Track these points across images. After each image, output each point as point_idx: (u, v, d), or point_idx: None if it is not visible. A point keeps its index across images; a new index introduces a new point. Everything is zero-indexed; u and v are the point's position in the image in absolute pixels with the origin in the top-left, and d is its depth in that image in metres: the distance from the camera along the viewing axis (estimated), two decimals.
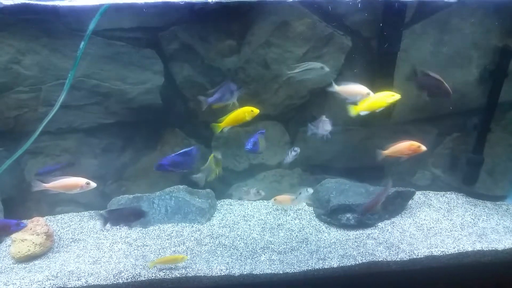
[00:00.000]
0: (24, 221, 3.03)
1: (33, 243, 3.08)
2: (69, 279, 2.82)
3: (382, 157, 3.10)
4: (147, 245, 3.22)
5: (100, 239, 3.31)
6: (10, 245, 3.11)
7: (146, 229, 3.43)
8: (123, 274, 2.86)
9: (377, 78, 3.34)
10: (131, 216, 3.12)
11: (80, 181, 2.88)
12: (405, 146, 3.04)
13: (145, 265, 2.96)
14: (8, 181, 3.47)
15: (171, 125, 3.55)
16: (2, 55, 3.15)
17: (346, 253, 3.10)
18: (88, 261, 3.03)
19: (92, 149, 3.49)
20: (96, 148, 3.50)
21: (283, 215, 3.63)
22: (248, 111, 2.94)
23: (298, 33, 3.26)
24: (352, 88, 2.99)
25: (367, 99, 2.91)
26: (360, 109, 2.93)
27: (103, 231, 3.40)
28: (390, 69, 3.31)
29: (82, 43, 2.96)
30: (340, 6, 3.24)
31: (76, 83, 3.25)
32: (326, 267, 2.97)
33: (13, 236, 3.10)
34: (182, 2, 3.03)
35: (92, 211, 3.68)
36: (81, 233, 3.42)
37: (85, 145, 3.49)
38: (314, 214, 3.61)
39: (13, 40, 3.14)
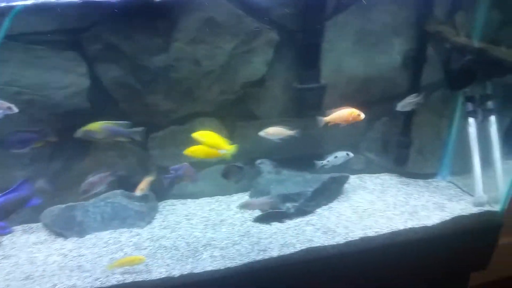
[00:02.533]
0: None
1: None
2: None
3: (323, 124, 3.21)
4: (83, 255, 3.10)
5: (33, 253, 3.14)
6: None
7: (82, 238, 3.29)
8: (57, 286, 2.74)
9: (305, 71, 3.43)
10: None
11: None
12: (345, 113, 3.17)
13: (81, 275, 2.86)
14: None
15: None
16: None
17: (286, 242, 3.16)
18: (20, 277, 2.87)
19: (19, 160, 3.30)
20: (24, 158, 3.31)
21: (226, 210, 3.64)
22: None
23: (225, 28, 3.26)
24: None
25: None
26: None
27: (36, 245, 3.26)
28: (316, 60, 3.40)
29: None
30: (264, 1, 3.28)
31: None
32: (266, 257, 3.01)
33: None
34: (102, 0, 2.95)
35: (26, 225, 3.49)
36: (13, 248, 3.22)
37: (11, 156, 3.27)
38: None
39: None
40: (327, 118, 3.19)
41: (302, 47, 3.37)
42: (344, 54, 3.52)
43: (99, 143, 3.47)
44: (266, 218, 3.37)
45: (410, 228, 3.29)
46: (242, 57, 3.38)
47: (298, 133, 3.27)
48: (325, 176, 3.56)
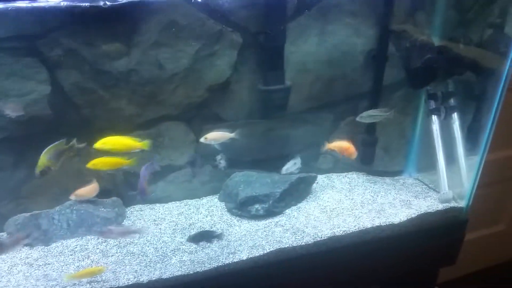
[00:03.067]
0: None
1: None
2: None
3: (325, 149, 3.39)
4: (49, 263, 3.05)
5: None
6: None
7: (48, 246, 3.23)
8: None
9: (269, 72, 3.45)
10: None
11: None
12: (345, 146, 3.37)
13: (47, 284, 2.82)
14: None
15: (66, 135, 3.33)
16: None
17: (255, 243, 3.17)
18: None
19: None
20: None
21: (195, 214, 3.63)
22: None
23: (187, 31, 3.24)
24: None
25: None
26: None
27: (0, 255, 3.20)
28: (279, 61, 3.41)
29: None
30: (225, 3, 3.28)
31: None
32: (236, 260, 3.03)
33: None
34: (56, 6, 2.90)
35: None
36: None
37: None
38: (226, 209, 3.64)
39: None
40: (330, 145, 3.35)
41: (265, 49, 3.38)
42: (307, 55, 3.54)
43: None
44: (198, 237, 3.28)
45: (377, 226, 3.34)
46: (206, 60, 3.36)
47: (238, 135, 3.25)
48: (293, 177, 3.58)
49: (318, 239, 3.19)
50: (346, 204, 3.64)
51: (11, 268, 3.03)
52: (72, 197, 3.26)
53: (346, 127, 3.96)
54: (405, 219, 3.43)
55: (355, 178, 4.10)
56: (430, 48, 3.58)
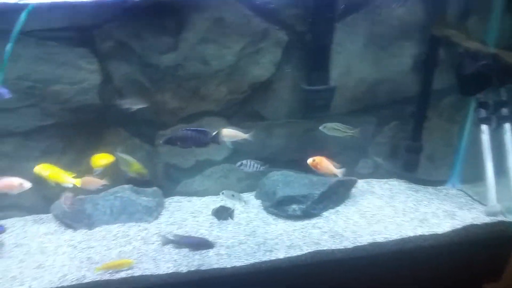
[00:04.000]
0: None
1: None
2: (12, 284, 2.76)
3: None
4: (92, 247, 3.17)
5: (44, 243, 3.24)
6: None
7: (92, 230, 3.37)
8: (68, 276, 2.82)
9: (313, 72, 3.42)
10: (197, 246, 3.09)
11: (14, 181, 2.90)
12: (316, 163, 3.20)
13: (90, 267, 2.92)
14: None
15: (113, 125, 3.50)
16: None
17: (292, 243, 3.16)
18: (32, 266, 2.96)
19: (31, 152, 3.39)
20: (35, 151, 3.40)
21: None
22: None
23: (233, 28, 3.28)
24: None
25: None
26: None
27: (47, 235, 3.36)
28: (325, 62, 3.38)
29: (9, 45, 2.87)
30: (273, 1, 3.28)
31: (9, 85, 3.08)
32: (272, 258, 3.02)
33: None
34: None
35: (36, 215, 3.61)
36: (24, 237, 3.32)
37: (23, 148, 3.38)
38: (262, 207, 3.66)
39: None
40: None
41: (312, 48, 3.36)
42: (353, 56, 3.50)
43: (109, 138, 3.60)
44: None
45: (420, 235, 3.23)
46: (250, 58, 3.39)
47: (252, 137, 3.19)
48: (333, 180, 3.53)
49: (358, 244, 3.12)
50: (387, 211, 3.55)
51: (56, 249, 3.18)
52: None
53: (390, 132, 3.87)
54: (449, 230, 3.30)
55: (396, 185, 4.00)
56: (484, 55, 3.42)
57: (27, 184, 2.94)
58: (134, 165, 3.22)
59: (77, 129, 3.45)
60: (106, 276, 2.84)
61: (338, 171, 3.23)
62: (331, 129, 3.35)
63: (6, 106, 3.19)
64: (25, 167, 3.40)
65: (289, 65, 3.48)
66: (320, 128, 3.34)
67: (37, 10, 2.92)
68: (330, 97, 3.48)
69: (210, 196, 3.86)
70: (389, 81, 3.64)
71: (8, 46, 2.86)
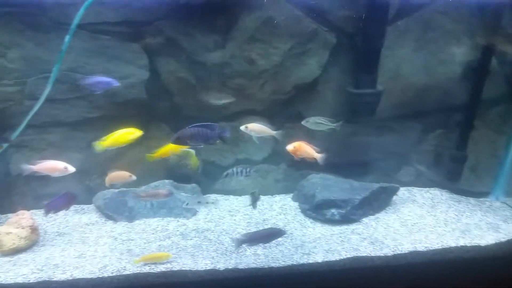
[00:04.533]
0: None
1: (18, 236, 3.05)
2: (54, 272, 2.81)
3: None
4: (132, 239, 3.22)
5: (85, 233, 3.31)
6: None
7: (132, 223, 3.42)
8: (108, 267, 2.86)
9: (361, 75, 3.39)
10: (270, 237, 3.07)
11: (59, 165, 2.97)
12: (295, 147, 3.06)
13: (131, 259, 2.96)
14: None
15: (156, 120, 3.55)
16: None
17: (330, 248, 3.12)
18: (73, 255, 3.02)
19: (77, 143, 3.47)
20: (81, 142, 3.48)
21: (269, 210, 3.65)
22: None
23: (282, 28, 3.29)
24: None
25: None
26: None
27: (88, 225, 3.43)
28: (373, 65, 3.34)
29: (67, 36, 2.95)
30: (324, 2, 3.28)
31: (61, 76, 3.22)
32: (310, 261, 3.00)
33: None
34: None
35: (78, 206, 3.69)
36: (66, 227, 3.41)
37: (70, 139, 3.47)
38: (299, 209, 3.63)
39: None
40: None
41: (361, 51, 3.34)
42: (402, 61, 3.46)
43: (152, 133, 3.64)
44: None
45: (462, 246, 3.15)
46: (297, 58, 3.39)
47: (280, 136, 3.16)
48: (375, 185, 3.50)
49: (398, 252, 3.07)
50: (428, 220, 3.47)
51: (97, 239, 3.24)
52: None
53: (434, 140, 3.79)
54: (493, 242, 3.21)
55: (438, 195, 3.90)
56: None
57: (71, 168, 3.01)
58: (194, 158, 3.26)
59: (122, 122, 3.46)
60: (146, 269, 2.87)
61: (318, 156, 3.11)
62: (314, 123, 3.27)
63: (57, 97, 3.28)
64: (70, 158, 3.47)
65: (335, 67, 3.47)
66: (303, 122, 3.25)
67: (92, 3, 2.99)
68: (376, 101, 3.44)
69: (247, 196, 3.83)
70: (437, 88, 3.58)
71: (66, 38, 2.95)
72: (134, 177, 3.17)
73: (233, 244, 3.10)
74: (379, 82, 3.45)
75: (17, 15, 3.11)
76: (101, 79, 3.00)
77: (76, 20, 2.89)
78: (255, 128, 3.15)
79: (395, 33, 3.36)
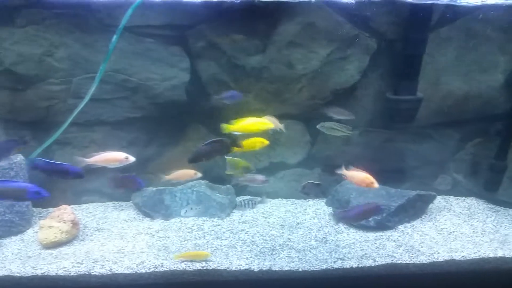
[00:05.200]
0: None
1: (60, 230, 3.17)
2: (94, 266, 2.90)
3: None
4: (169, 237, 3.29)
5: (123, 229, 3.40)
6: (38, 231, 3.21)
7: (168, 221, 3.50)
8: (146, 264, 2.94)
9: (401, 81, 3.37)
10: (369, 213, 3.13)
11: (120, 155, 3.01)
12: (361, 178, 3.01)
13: (167, 256, 3.03)
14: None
15: (194, 122, 3.62)
16: (37, 47, 3.28)
17: (365, 254, 3.11)
18: (112, 250, 3.12)
19: (118, 142, 3.58)
20: (122, 141, 3.59)
21: (302, 214, 3.66)
22: (259, 142, 3.14)
23: (323, 34, 3.31)
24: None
25: None
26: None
27: (126, 222, 3.51)
28: (414, 71, 3.32)
29: (115, 36, 3.05)
30: (366, 8, 3.28)
31: (106, 77, 3.34)
32: (345, 267, 2.99)
33: (41, 222, 3.21)
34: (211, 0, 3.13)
35: (116, 202, 3.80)
36: (105, 222, 3.51)
37: (112, 137, 3.58)
38: (333, 214, 3.64)
39: (48, 34, 3.27)
40: (345, 173, 3.07)
41: (402, 57, 3.32)
42: (443, 68, 3.42)
43: (190, 134, 3.71)
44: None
45: (500, 257, 3.09)
46: (336, 64, 3.40)
47: (284, 128, 3.24)
48: (411, 193, 3.46)
49: (434, 260, 3.03)
50: (465, 230, 3.41)
51: (135, 236, 3.32)
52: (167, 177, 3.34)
53: (473, 149, 3.73)
54: None
55: (475, 204, 3.83)
56: None
57: (132, 158, 3.06)
58: (241, 163, 3.30)
59: (161, 123, 3.61)
60: (182, 266, 2.93)
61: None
62: (329, 128, 3.30)
63: (101, 96, 3.39)
64: None
65: (375, 73, 3.47)
66: (318, 126, 3.29)
67: (138, 6, 3.08)
68: (416, 108, 3.41)
69: (280, 199, 3.89)
70: (478, 96, 3.54)
71: (114, 38, 3.05)
72: (199, 174, 3.24)
73: (333, 220, 3.25)
74: (419, 89, 3.42)
75: (67, 16, 3.25)
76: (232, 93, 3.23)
77: (123, 21, 2.98)
78: (272, 120, 3.21)
79: (436, 40, 3.33)
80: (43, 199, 2.71)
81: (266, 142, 3.12)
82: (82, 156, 2.91)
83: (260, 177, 3.43)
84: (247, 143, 3.12)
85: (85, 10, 3.24)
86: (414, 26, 3.22)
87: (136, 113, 3.52)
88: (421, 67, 3.34)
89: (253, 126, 3.05)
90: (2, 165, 3.34)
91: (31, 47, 3.27)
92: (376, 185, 2.95)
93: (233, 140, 2.99)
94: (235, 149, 3.01)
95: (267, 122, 3.05)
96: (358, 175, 3.02)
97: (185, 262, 2.94)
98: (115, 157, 3.00)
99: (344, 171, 3.07)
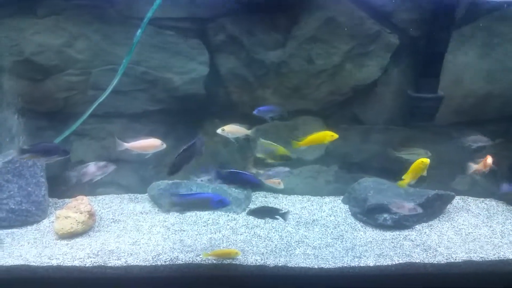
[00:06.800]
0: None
1: (76, 221, 3.18)
2: (109, 258, 2.91)
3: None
4: (184, 230, 3.29)
5: (139, 221, 3.41)
6: (54, 221, 3.22)
7: (183, 215, 3.50)
8: (161, 256, 2.94)
9: (423, 79, 3.33)
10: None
11: (156, 141, 3.09)
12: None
13: (183, 249, 3.02)
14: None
15: (211, 115, 3.61)
16: (57, 38, 3.28)
17: (382, 252, 3.08)
18: (128, 242, 3.12)
19: (136, 134, 3.52)
20: (139, 134, 3.51)
21: (318, 211, 3.64)
22: (329, 135, 3.11)
23: (344, 29, 3.28)
24: None
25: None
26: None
27: (142, 214, 3.51)
28: (436, 70, 3.28)
29: (139, 30, 3.06)
30: (388, 4, 3.25)
31: (125, 69, 3.28)
32: (362, 265, 2.96)
33: (58, 212, 3.22)
34: None
35: (132, 194, 3.80)
36: (121, 214, 3.52)
37: (129, 130, 3.58)
38: (350, 212, 3.60)
39: (67, 24, 3.28)
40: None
41: (424, 54, 3.28)
42: (465, 66, 3.37)
43: (206, 128, 3.70)
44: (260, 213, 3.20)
45: None
46: (357, 59, 3.37)
47: (254, 133, 3.23)
48: (430, 192, 3.42)
49: (452, 260, 2.99)
50: (484, 231, 3.36)
51: (150, 228, 3.32)
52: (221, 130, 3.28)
53: (493, 149, 3.63)
54: None
55: (494, 206, 3.77)
56: None
57: (164, 145, 3.11)
58: (280, 149, 3.21)
59: (179, 116, 3.60)
60: (197, 260, 2.93)
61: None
62: (408, 154, 3.32)
63: (120, 88, 3.37)
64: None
65: (396, 70, 3.43)
66: (398, 154, 3.32)
67: None
68: (437, 107, 3.37)
69: (296, 195, 3.87)
70: (500, 96, 3.48)
71: (138, 32, 3.05)
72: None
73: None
74: (440, 87, 3.38)
75: (86, 7, 3.25)
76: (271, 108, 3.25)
77: (149, 14, 2.98)
78: (232, 129, 3.23)
79: (459, 38, 3.28)
80: (225, 208, 2.93)
81: (336, 135, 3.08)
82: (125, 140, 3.00)
83: (282, 170, 3.31)
84: (316, 136, 3.11)
85: (105, 1, 3.24)
86: (437, 23, 3.16)
87: (154, 106, 3.51)
88: (442, 66, 3.28)
89: (318, 139, 3.09)
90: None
91: (51, 37, 3.28)
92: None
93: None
94: (299, 144, 3.10)
95: (331, 133, 3.08)
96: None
97: (200, 256, 2.93)
98: (152, 143, 3.06)
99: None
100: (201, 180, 3.15)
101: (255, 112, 3.13)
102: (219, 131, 3.24)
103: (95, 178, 3.00)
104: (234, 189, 3.61)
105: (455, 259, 3.03)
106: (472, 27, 3.28)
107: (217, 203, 2.78)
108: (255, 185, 3.07)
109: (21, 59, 3.31)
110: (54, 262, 2.84)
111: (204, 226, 3.36)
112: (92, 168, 2.98)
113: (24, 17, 3.23)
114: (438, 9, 3.13)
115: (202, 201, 2.81)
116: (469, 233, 3.35)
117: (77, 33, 3.29)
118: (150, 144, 3.05)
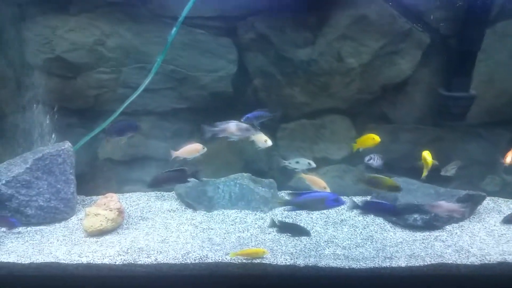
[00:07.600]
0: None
1: (106, 218, 3.19)
2: (139, 255, 2.91)
3: None
4: (212, 229, 3.28)
5: (167, 219, 3.41)
6: (83, 218, 3.24)
7: (210, 213, 3.50)
8: (190, 254, 2.93)
9: (455, 77, 3.28)
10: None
11: (198, 146, 3.24)
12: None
13: (212, 247, 3.01)
14: (82, 157, 3.62)
15: (238, 114, 3.59)
16: (89, 36, 3.32)
17: (413, 253, 3.03)
18: (157, 240, 3.12)
19: (163, 132, 3.60)
20: (167, 132, 3.61)
21: (346, 211, 3.60)
22: (371, 139, 3.21)
23: (375, 27, 3.25)
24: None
25: None
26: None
27: (169, 212, 3.52)
28: (469, 68, 3.24)
29: (174, 29, 3.09)
30: (420, 2, 3.22)
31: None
32: (393, 266, 2.91)
33: (87, 210, 3.23)
34: None
35: (159, 192, 3.82)
36: (149, 212, 3.53)
37: (156, 128, 3.61)
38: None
39: (100, 22, 3.32)
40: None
41: (456, 53, 3.24)
42: (497, 65, 3.32)
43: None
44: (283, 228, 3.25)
45: None
46: (388, 58, 3.34)
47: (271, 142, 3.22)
48: (461, 192, 3.36)
49: (486, 262, 2.93)
50: None
51: (179, 226, 3.32)
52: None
53: None
54: None
55: None
56: None
57: (205, 148, 3.23)
58: (388, 181, 3.16)
59: (206, 115, 3.57)
60: (227, 259, 2.91)
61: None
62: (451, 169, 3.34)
63: (149, 86, 3.38)
64: (155, 146, 3.64)
65: (427, 68, 3.39)
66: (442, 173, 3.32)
67: None
68: (468, 106, 3.32)
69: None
70: None
71: (173, 31, 3.09)
72: (205, 149, 3.27)
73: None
74: (472, 86, 3.33)
75: (119, 6, 3.29)
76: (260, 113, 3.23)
77: (184, 12, 3.01)
78: (259, 138, 3.25)
79: (492, 37, 3.23)
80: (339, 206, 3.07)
81: (378, 139, 3.15)
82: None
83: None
84: (361, 140, 3.25)
85: (137, 0, 3.26)
86: (470, 21, 3.13)
87: (182, 104, 3.53)
88: (475, 64, 3.24)
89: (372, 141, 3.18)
90: (50, 152, 3.42)
91: (83, 35, 3.32)
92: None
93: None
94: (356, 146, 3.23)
95: (372, 136, 3.17)
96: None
97: (229, 255, 2.91)
98: (196, 148, 3.20)
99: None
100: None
101: (243, 120, 3.08)
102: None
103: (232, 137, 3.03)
104: (261, 187, 3.60)
105: (489, 261, 2.96)
106: (505, 24, 3.23)
107: (333, 202, 2.85)
108: (395, 213, 3.25)
109: (53, 57, 3.36)
110: (84, 260, 2.85)
111: (232, 224, 3.35)
112: (232, 126, 3.05)
113: (57, 15, 3.28)
114: (472, 6, 3.09)
115: (317, 200, 2.86)
116: (502, 234, 3.28)
117: (109, 31, 3.33)
118: (194, 149, 3.19)
